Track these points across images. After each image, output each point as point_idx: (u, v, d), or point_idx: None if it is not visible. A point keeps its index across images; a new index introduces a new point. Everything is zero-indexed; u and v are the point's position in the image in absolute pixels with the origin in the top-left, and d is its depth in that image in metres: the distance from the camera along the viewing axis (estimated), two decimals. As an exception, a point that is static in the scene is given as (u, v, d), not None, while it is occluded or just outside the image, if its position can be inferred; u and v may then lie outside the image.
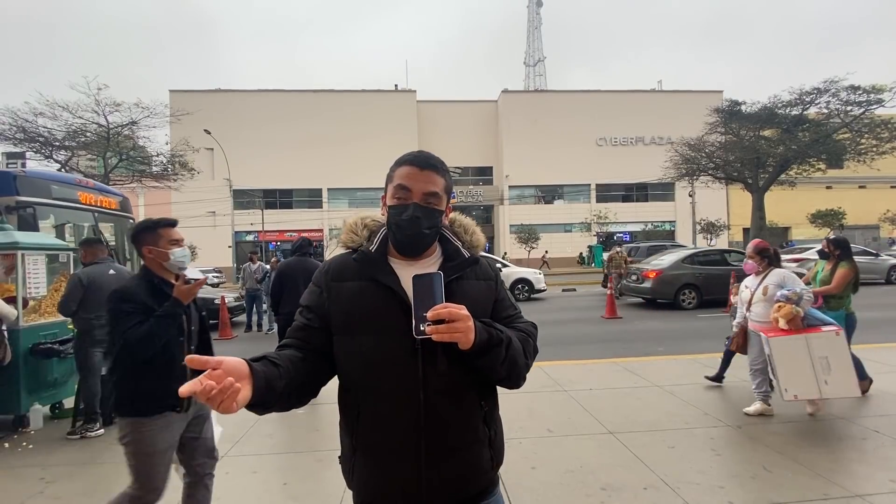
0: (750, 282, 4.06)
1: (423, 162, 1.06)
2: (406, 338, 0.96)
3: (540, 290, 13.76)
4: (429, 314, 0.90)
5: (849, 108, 19.99)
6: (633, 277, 11.88)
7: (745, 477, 2.87)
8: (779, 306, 3.67)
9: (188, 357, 0.76)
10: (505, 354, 1.00)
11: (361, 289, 1.04)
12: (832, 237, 4.67)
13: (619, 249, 13.66)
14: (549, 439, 3.53)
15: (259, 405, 0.87)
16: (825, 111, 20.70)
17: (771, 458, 3.09)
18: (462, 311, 0.91)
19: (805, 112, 21.20)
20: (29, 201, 5.13)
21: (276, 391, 0.89)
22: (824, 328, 3.59)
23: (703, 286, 10.87)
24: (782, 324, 3.61)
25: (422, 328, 0.91)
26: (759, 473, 2.90)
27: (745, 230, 28.21)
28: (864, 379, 4.18)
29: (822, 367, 3.49)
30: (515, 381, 1.07)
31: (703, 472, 2.93)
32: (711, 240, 30.51)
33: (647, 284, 11.15)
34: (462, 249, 1.14)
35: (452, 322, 0.90)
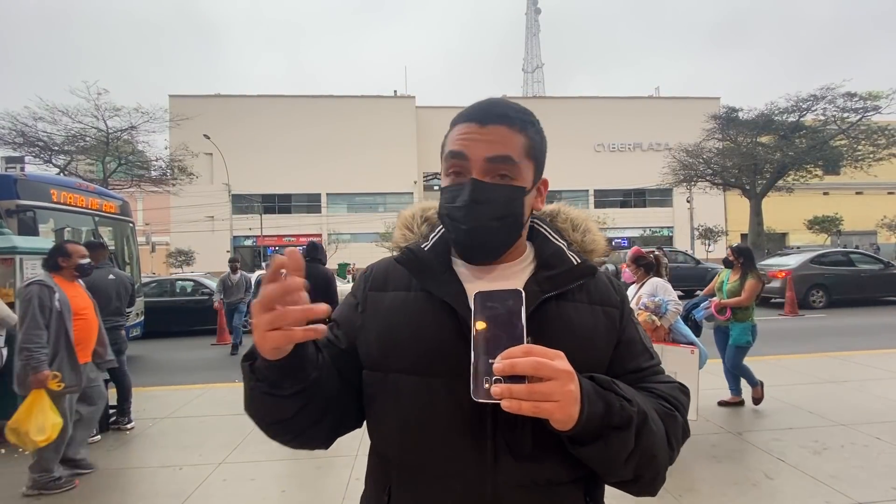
0: (631, 291, 3.92)
1: (484, 114, 0.68)
2: (451, 385, 0.64)
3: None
4: (496, 365, 0.54)
5: (845, 114, 20.15)
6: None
7: (747, 484, 2.85)
8: (638, 314, 3.65)
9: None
10: (634, 443, 0.61)
11: (406, 302, 0.72)
12: (735, 245, 4.52)
13: (656, 253, 11.90)
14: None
15: (287, 371, 0.60)
16: (822, 118, 20.86)
17: (773, 466, 3.07)
18: (557, 361, 0.55)
19: (802, 119, 21.36)
20: (29, 205, 5.14)
21: (307, 375, 0.62)
22: (683, 345, 3.52)
23: (832, 287, 11.08)
24: None
25: (485, 386, 0.55)
26: (761, 481, 2.88)
27: (743, 236, 28.27)
28: (755, 385, 4.16)
29: None
30: (649, 485, 0.66)
31: (705, 480, 2.92)
32: (709, 246, 30.57)
33: (776, 284, 11.16)
34: (568, 252, 0.76)
35: (539, 382, 0.54)
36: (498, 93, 61.09)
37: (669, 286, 3.75)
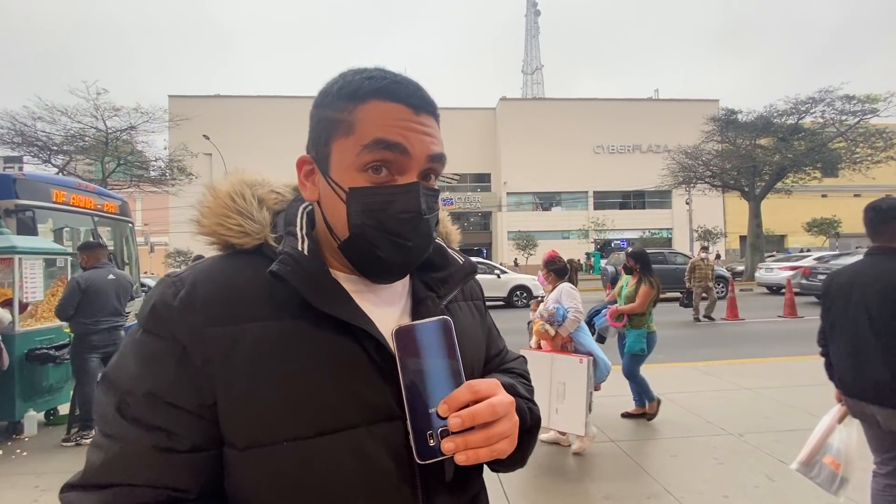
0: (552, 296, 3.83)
1: (418, 99, 0.57)
2: (397, 441, 0.53)
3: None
4: (452, 420, 0.48)
5: (844, 117, 20.23)
6: (823, 276, 11.86)
7: (749, 486, 2.85)
8: (535, 321, 3.62)
9: None
10: (536, 438, 0.65)
11: (287, 336, 0.53)
12: (631, 250, 4.38)
13: (704, 256, 9.78)
14: (551, 447, 3.50)
15: None
16: (820, 120, 20.94)
17: (774, 467, 3.07)
18: (500, 393, 0.52)
19: (801, 121, 21.43)
20: (28, 205, 5.11)
21: None
22: (574, 355, 3.43)
23: None
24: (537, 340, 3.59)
25: (431, 443, 0.49)
26: (763, 483, 2.88)
27: (742, 238, 28.35)
28: (651, 400, 4.02)
29: (557, 393, 3.30)
30: (522, 462, 0.64)
31: (707, 482, 2.91)
32: (709, 247, 30.63)
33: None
34: (450, 250, 0.69)
35: (491, 424, 0.50)
36: (498, 94, 61.11)
37: (575, 293, 3.60)
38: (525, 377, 0.73)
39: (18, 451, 3.64)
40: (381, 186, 0.54)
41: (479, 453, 0.49)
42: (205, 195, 0.62)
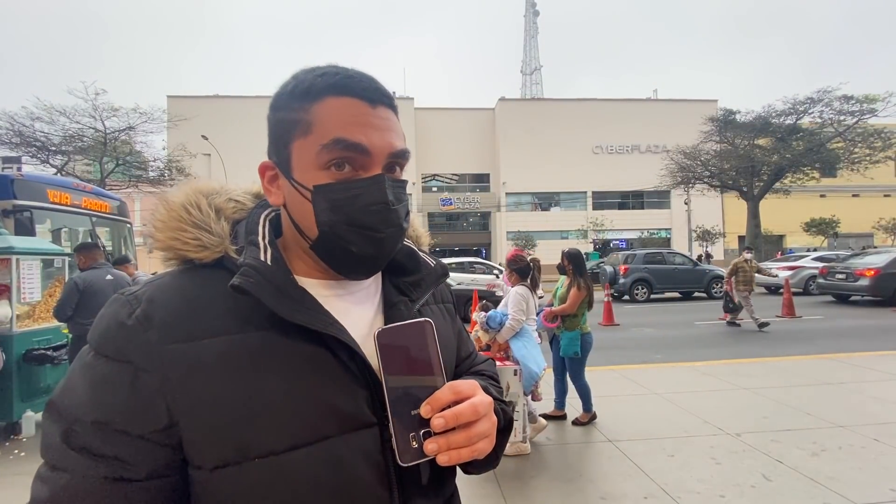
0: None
1: (373, 92, 0.56)
2: (372, 448, 0.53)
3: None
4: (436, 420, 0.49)
5: (842, 117, 20.28)
6: (842, 276, 11.83)
7: (746, 486, 2.85)
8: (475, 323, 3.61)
9: None
10: (508, 439, 0.65)
11: (251, 350, 0.51)
12: (566, 250, 4.32)
13: (748, 256, 8.94)
14: (548, 447, 3.51)
15: None
16: (819, 120, 20.99)
17: (771, 467, 3.07)
18: (478, 394, 0.53)
19: (799, 121, 21.48)
20: (26, 205, 5.11)
21: None
22: (508, 364, 3.40)
23: None
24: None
25: (413, 445, 0.49)
26: (759, 483, 2.89)
27: (741, 238, 28.38)
28: (587, 411, 3.95)
29: None
30: (496, 462, 0.64)
31: (704, 481, 2.92)
32: (707, 248, 30.66)
33: (863, 283, 11.23)
34: (421, 254, 0.69)
35: (472, 424, 0.51)
36: (497, 94, 61.04)
37: (525, 297, 3.54)
38: (494, 379, 0.73)
39: (16, 451, 3.64)
40: (346, 181, 0.54)
41: (462, 453, 0.50)
42: (157, 208, 0.59)
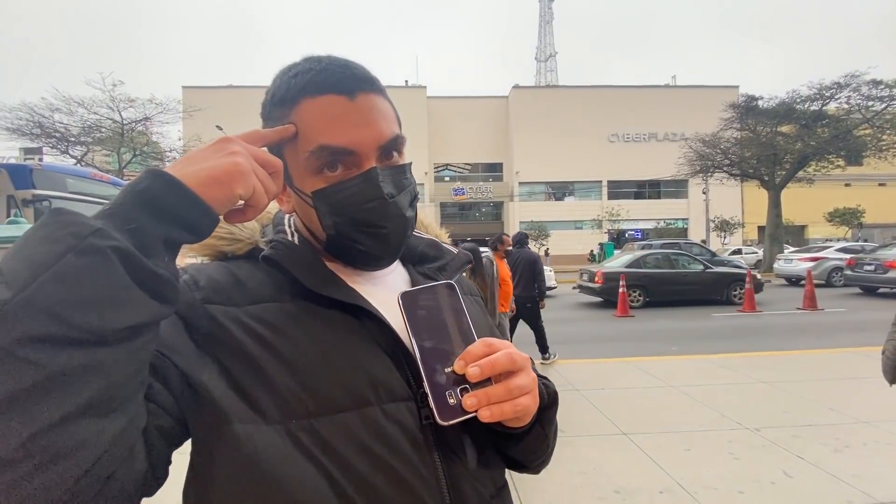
0: None
1: (349, 81, 0.53)
2: (410, 424, 0.50)
3: (551, 288, 13.71)
4: (471, 369, 0.47)
5: (870, 102, 19.50)
6: (870, 267, 11.54)
7: (766, 482, 2.78)
8: None
9: None
10: (555, 421, 0.63)
11: (294, 316, 0.51)
12: (465, 245, 4.28)
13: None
14: (562, 440, 3.46)
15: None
16: (846, 106, 20.23)
17: (791, 463, 2.99)
18: (513, 347, 0.50)
19: (825, 107, 20.73)
20: (45, 194, 5.20)
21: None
22: None
23: None
24: None
25: (451, 402, 0.47)
26: (780, 479, 2.81)
27: (761, 228, 27.72)
28: None
29: None
30: (545, 463, 0.66)
31: (721, 477, 2.85)
32: (725, 238, 30.05)
33: (892, 274, 10.92)
34: (441, 242, 0.70)
35: (511, 376, 0.48)
36: (511, 82, 60.20)
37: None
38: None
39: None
40: (340, 183, 0.54)
41: (504, 408, 0.47)
42: None
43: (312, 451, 0.46)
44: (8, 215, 4.75)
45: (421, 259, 0.66)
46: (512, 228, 35.33)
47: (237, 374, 0.48)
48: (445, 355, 0.49)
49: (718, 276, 11.09)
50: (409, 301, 0.50)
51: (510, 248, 4.92)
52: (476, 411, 0.46)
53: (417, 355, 0.48)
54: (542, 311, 5.69)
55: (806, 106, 20.82)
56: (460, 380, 0.47)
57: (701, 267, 11.35)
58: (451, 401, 0.46)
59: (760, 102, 22.00)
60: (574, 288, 13.79)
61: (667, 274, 11.14)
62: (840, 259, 13.91)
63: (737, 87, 33.96)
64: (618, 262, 12.07)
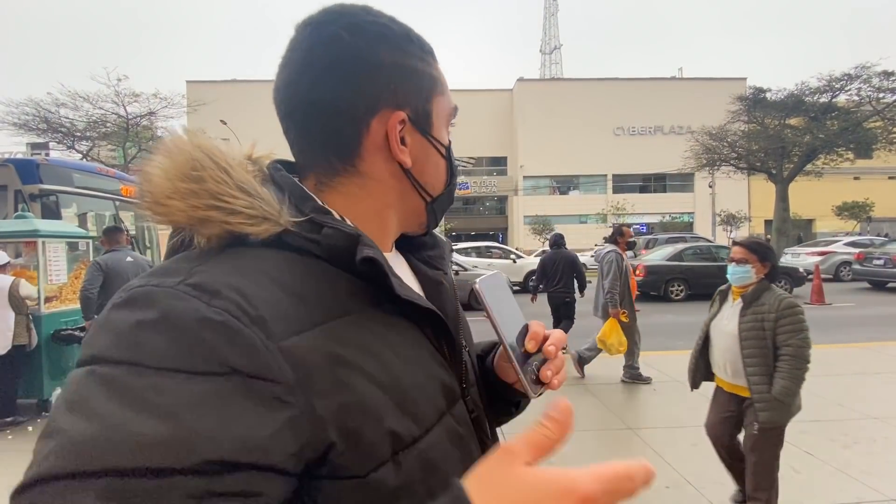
0: None
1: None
2: (467, 420, 0.51)
3: None
4: (549, 347, 0.53)
5: (881, 94, 19.18)
6: (880, 262, 11.46)
7: (773, 477, 2.76)
8: None
9: None
10: None
11: (379, 329, 0.44)
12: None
13: None
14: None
15: None
16: (856, 98, 19.90)
17: (801, 459, 2.97)
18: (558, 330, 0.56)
19: (834, 99, 20.42)
20: (52, 189, 5.22)
21: None
22: None
23: None
24: None
25: (532, 377, 0.51)
26: (788, 474, 2.79)
27: (767, 222, 27.48)
28: None
29: None
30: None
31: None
32: (732, 232, 29.83)
33: None
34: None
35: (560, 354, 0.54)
36: (516, 74, 59.73)
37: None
38: None
39: (48, 427, 3.78)
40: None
41: (562, 376, 0.54)
42: (160, 165, 0.46)
43: (421, 477, 0.42)
44: (15, 210, 4.78)
45: (420, 246, 0.61)
46: (516, 223, 35.23)
47: (345, 422, 0.38)
48: (518, 338, 0.53)
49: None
50: (488, 290, 0.53)
51: (632, 239, 4.85)
52: (548, 386, 0.52)
53: (505, 340, 0.51)
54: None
55: (815, 98, 20.49)
56: (528, 357, 0.53)
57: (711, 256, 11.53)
58: (532, 376, 0.52)
59: (769, 95, 21.68)
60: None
61: (710, 267, 10.97)
62: (848, 253, 13.77)
63: (744, 79, 33.48)
64: (658, 254, 12.14)
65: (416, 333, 0.48)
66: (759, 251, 2.27)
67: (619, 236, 4.79)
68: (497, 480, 0.31)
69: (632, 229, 5.12)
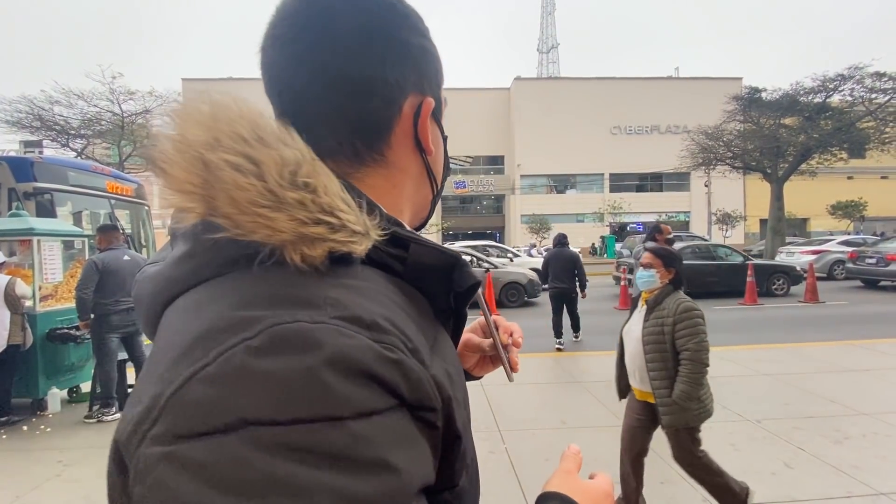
0: None
1: None
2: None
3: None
4: (517, 338, 0.62)
5: (874, 95, 19.34)
6: (872, 260, 11.46)
7: (766, 473, 2.80)
8: None
9: None
10: None
11: (448, 343, 0.44)
12: None
13: None
14: (563, 431, 3.49)
15: None
16: (849, 98, 20.06)
17: (792, 455, 3.01)
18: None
19: (828, 99, 20.57)
20: (46, 187, 5.19)
21: None
22: None
23: None
24: None
25: (509, 365, 0.62)
26: (780, 470, 2.83)
27: (763, 221, 27.66)
28: None
29: None
30: None
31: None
32: (727, 231, 29.98)
33: (894, 268, 10.90)
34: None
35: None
36: (513, 73, 59.87)
37: None
38: None
39: (43, 427, 3.77)
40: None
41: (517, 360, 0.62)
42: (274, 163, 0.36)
43: (470, 485, 0.42)
44: (9, 208, 4.75)
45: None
46: (513, 222, 35.28)
47: (464, 435, 0.40)
48: (500, 332, 0.62)
49: (759, 268, 10.67)
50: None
51: (670, 236, 4.82)
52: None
53: (496, 330, 0.60)
54: (581, 299, 6.47)
55: (809, 98, 20.64)
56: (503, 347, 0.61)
57: (741, 258, 11.19)
58: (508, 364, 0.60)
59: (764, 94, 21.81)
60: (614, 279, 13.71)
61: (708, 266, 10.84)
62: (842, 252, 13.89)
63: (740, 78, 33.65)
64: None
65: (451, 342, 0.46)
66: (665, 257, 2.31)
67: (657, 234, 4.77)
68: (574, 488, 0.46)
69: (669, 227, 4.95)
